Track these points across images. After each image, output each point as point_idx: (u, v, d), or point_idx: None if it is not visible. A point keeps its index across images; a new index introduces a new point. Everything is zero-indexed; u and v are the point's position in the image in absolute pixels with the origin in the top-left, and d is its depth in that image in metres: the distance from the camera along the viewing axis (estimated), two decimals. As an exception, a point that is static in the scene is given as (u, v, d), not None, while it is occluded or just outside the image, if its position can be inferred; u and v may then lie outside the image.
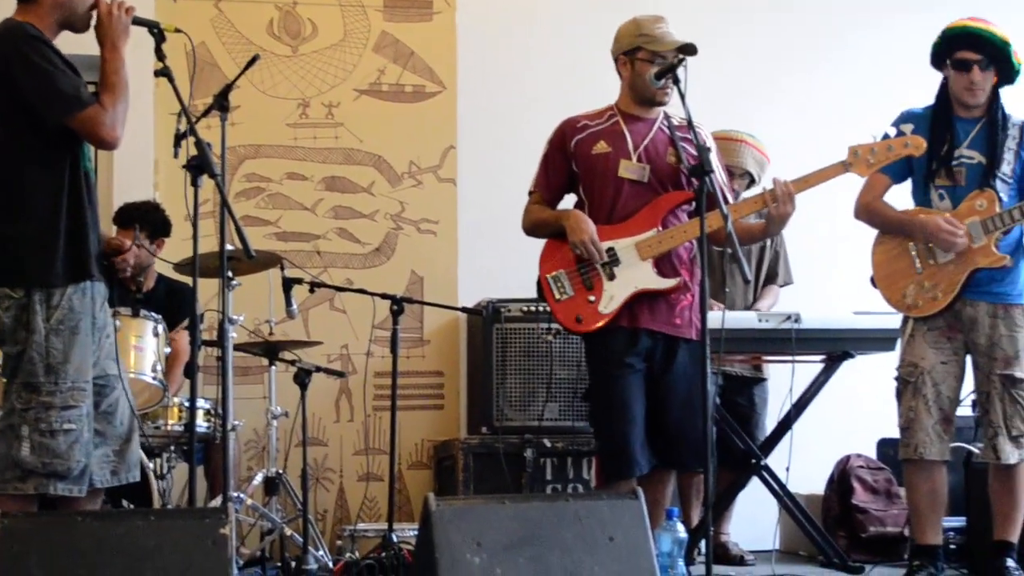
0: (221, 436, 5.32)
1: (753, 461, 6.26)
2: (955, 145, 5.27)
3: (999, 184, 5.22)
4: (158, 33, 4.34)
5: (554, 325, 5.34)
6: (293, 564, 5.64)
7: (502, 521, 3.90)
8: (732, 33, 7.61)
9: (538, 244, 5.24)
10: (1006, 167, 5.25)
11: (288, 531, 5.84)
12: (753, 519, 6.69)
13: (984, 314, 5.24)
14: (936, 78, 5.40)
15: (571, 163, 5.23)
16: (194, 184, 4.38)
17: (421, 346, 7.27)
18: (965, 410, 5.55)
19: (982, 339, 5.24)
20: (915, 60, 5.63)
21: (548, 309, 5.18)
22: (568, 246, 5.11)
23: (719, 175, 5.18)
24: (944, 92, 5.37)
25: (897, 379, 5.34)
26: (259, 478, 6.02)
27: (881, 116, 5.55)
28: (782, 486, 6.26)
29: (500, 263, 7.07)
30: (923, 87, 5.52)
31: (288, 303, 5.92)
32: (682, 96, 4.93)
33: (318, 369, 6.02)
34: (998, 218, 5.17)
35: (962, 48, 5.24)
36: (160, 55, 4.35)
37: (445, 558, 3.78)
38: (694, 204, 5.02)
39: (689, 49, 5.02)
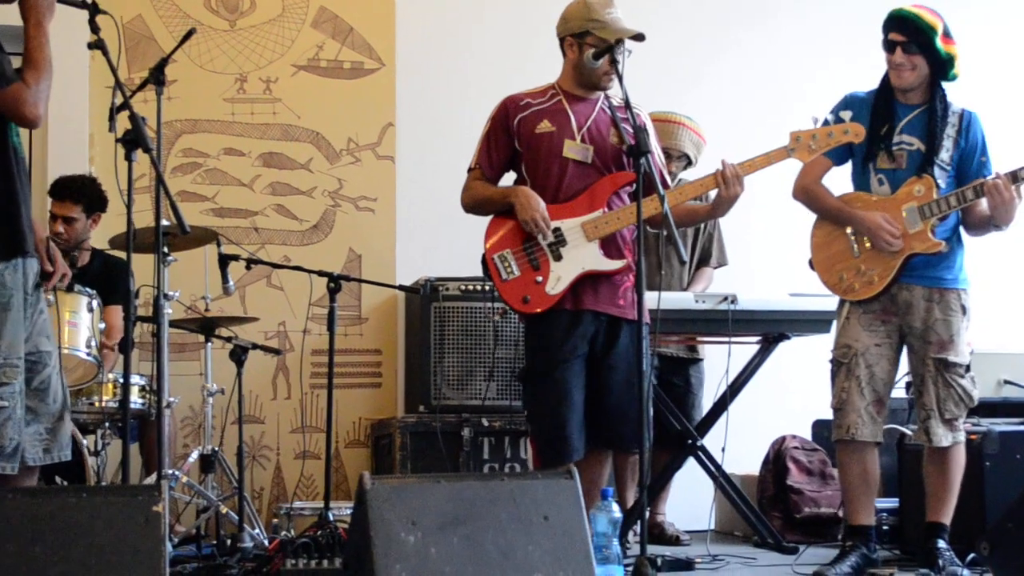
0: (156, 413, 5.28)
1: (689, 442, 6.29)
2: (894, 131, 5.30)
3: (937, 171, 5.26)
4: (92, 5, 4.28)
5: (499, 305, 5.32)
6: (228, 542, 5.62)
7: (437, 500, 3.88)
8: (666, 14, 7.60)
9: (477, 222, 5.22)
10: (944, 154, 5.28)
11: (224, 509, 5.82)
12: (689, 499, 6.74)
13: (920, 298, 5.28)
14: (870, 57, 5.44)
15: (514, 141, 5.21)
16: (128, 159, 4.33)
17: (359, 324, 7.24)
18: (900, 392, 5.59)
19: (917, 323, 5.28)
20: (850, 39, 5.67)
21: (487, 288, 5.18)
22: (514, 224, 5.09)
23: (657, 156, 5.19)
24: (887, 78, 5.40)
25: (831, 361, 5.38)
26: (195, 455, 5.98)
27: (816, 96, 5.58)
28: (718, 466, 6.29)
29: (438, 241, 7.07)
30: (857, 65, 5.57)
31: (224, 279, 5.88)
32: (620, 77, 4.95)
33: (254, 346, 5.99)
34: (935, 204, 5.21)
35: (893, 30, 5.29)
36: (94, 28, 4.29)
37: (380, 537, 3.77)
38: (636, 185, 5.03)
39: (639, 38, 5.03)
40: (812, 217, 5.47)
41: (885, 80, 5.38)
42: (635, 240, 5.09)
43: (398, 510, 3.83)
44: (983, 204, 5.23)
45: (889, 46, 5.29)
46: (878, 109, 5.32)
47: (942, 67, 5.28)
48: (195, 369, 6.60)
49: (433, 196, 6.96)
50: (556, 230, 5.06)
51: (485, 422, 6.49)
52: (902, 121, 5.32)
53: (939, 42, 5.22)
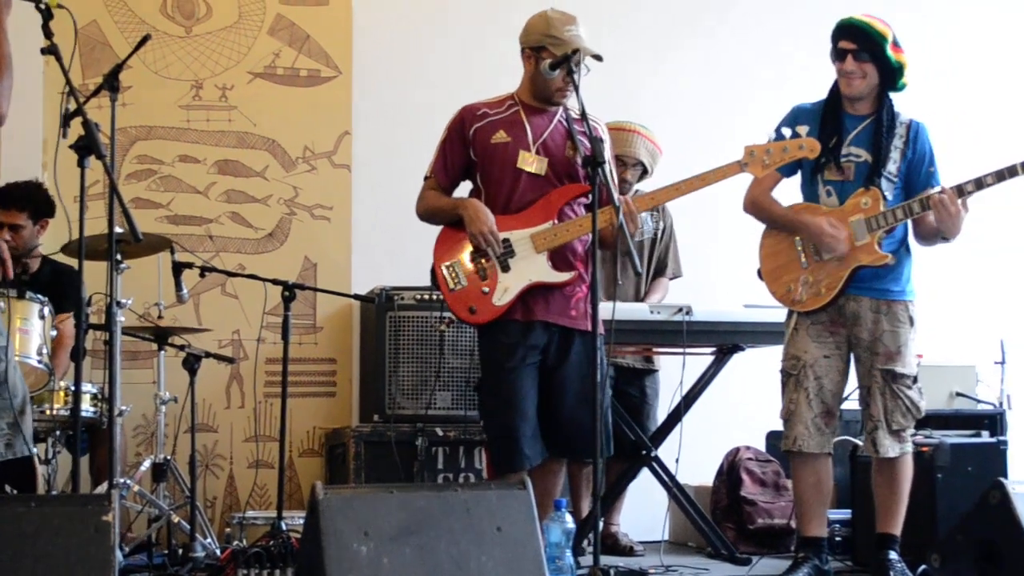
0: (108, 421, 5.24)
1: (643, 452, 6.29)
2: (842, 143, 5.33)
3: (884, 183, 5.29)
4: (44, 9, 4.26)
5: (447, 315, 5.32)
6: (180, 551, 5.59)
7: (390, 511, 3.88)
8: (625, 25, 7.62)
9: (434, 231, 5.22)
10: (892, 166, 5.31)
11: (175, 518, 5.77)
12: (643, 510, 6.75)
13: (867, 310, 5.30)
14: (817, 68, 5.46)
15: (469, 150, 5.20)
16: (81, 165, 4.30)
17: (314, 333, 7.22)
18: (854, 404, 5.62)
19: (865, 334, 5.30)
20: (803, 49, 5.69)
21: (442, 298, 5.16)
22: (463, 235, 5.10)
23: (609, 170, 5.20)
24: (836, 88, 5.42)
25: (781, 372, 5.40)
26: (147, 464, 5.95)
27: (766, 110, 5.62)
28: (672, 477, 6.31)
29: (394, 250, 7.05)
30: (810, 75, 5.60)
31: (178, 287, 5.86)
32: (576, 88, 4.95)
33: (207, 355, 5.96)
34: (881, 217, 5.24)
35: (843, 38, 5.31)
36: (47, 32, 4.26)
37: (332, 547, 3.76)
38: (590, 197, 5.03)
39: (597, 58, 5.04)
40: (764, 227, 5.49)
41: (834, 91, 5.41)
42: (587, 252, 5.10)
43: (350, 520, 3.82)
44: (932, 215, 5.26)
45: (840, 54, 5.32)
46: (827, 120, 5.34)
47: (891, 76, 5.31)
48: (148, 377, 6.56)
49: (389, 205, 6.94)
50: (505, 241, 5.06)
51: (439, 432, 6.47)
52: (851, 134, 5.35)
53: (889, 50, 5.26)
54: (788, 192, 5.47)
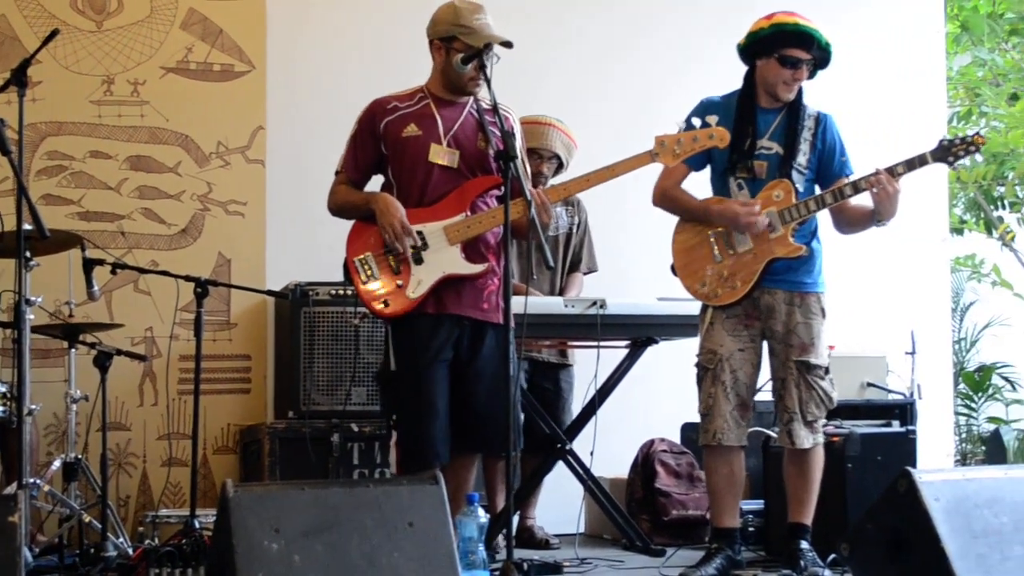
0: (17, 420, 5.18)
1: (559, 446, 6.32)
2: (756, 138, 5.37)
3: (795, 175, 5.34)
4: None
5: (361, 309, 5.31)
6: (92, 551, 5.53)
7: (301, 507, 3.87)
8: (534, 16, 7.63)
9: (348, 226, 5.21)
10: (802, 158, 5.37)
11: (87, 518, 5.71)
12: (558, 503, 6.76)
13: (781, 302, 5.36)
14: (726, 60, 5.49)
15: (380, 144, 5.20)
16: (-14, 161, 4.26)
17: (228, 329, 7.17)
18: (766, 396, 5.67)
19: (779, 327, 5.36)
20: (710, 42, 5.71)
21: (356, 292, 5.15)
22: (375, 229, 5.09)
23: (521, 161, 5.22)
24: (750, 83, 5.45)
25: (697, 366, 5.43)
26: (57, 464, 5.88)
27: (675, 102, 5.66)
28: (587, 470, 6.33)
29: (309, 246, 7.02)
30: (715, 69, 5.64)
31: (89, 284, 5.80)
32: (487, 81, 4.96)
33: (119, 352, 5.91)
34: (794, 208, 5.29)
35: (792, 46, 5.31)
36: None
37: (242, 544, 3.75)
38: (503, 189, 5.04)
39: (507, 45, 5.04)
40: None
41: (747, 87, 5.43)
42: (499, 244, 5.11)
43: (261, 517, 3.81)
44: (852, 202, 5.32)
45: (792, 61, 5.32)
46: (740, 118, 5.37)
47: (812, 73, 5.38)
48: (59, 376, 6.48)
49: (304, 200, 6.89)
50: (419, 234, 5.06)
51: (355, 427, 6.46)
52: (764, 133, 5.38)
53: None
54: (696, 187, 5.50)
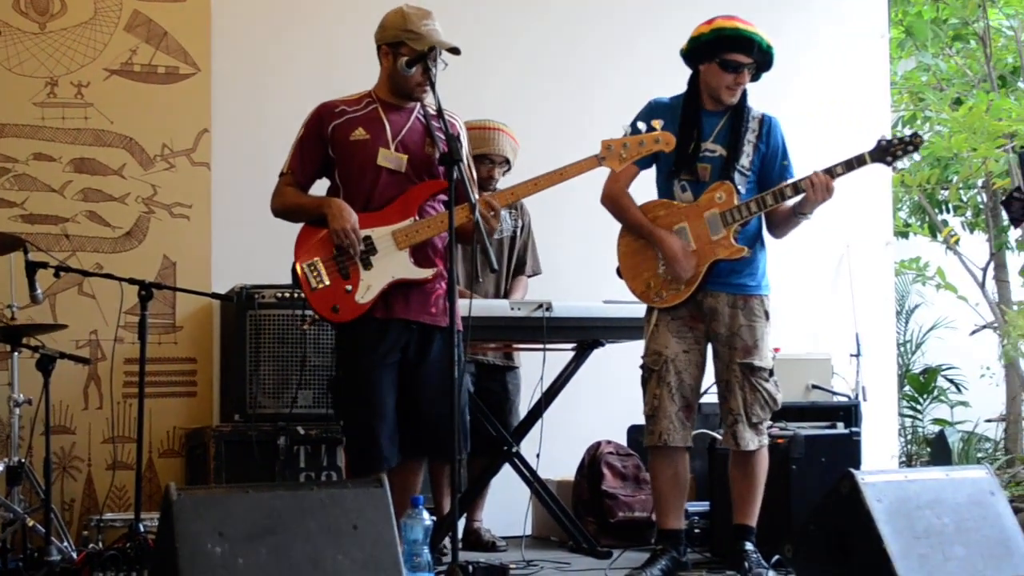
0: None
1: (505, 448, 6.32)
2: (701, 141, 5.39)
3: (738, 176, 5.37)
4: None
5: (310, 314, 5.31)
6: (35, 555, 5.50)
7: (245, 510, 3.86)
8: (479, 21, 7.64)
9: (295, 229, 5.20)
10: (745, 160, 5.40)
11: (31, 522, 5.69)
12: (505, 505, 6.76)
13: (724, 305, 5.39)
14: (673, 61, 5.52)
15: (327, 148, 5.20)
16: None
17: (173, 332, 7.13)
18: (712, 398, 5.70)
19: (723, 329, 5.39)
20: (655, 46, 5.73)
21: (303, 296, 5.14)
22: (324, 233, 5.09)
23: (466, 165, 5.23)
24: (694, 86, 5.48)
25: (642, 368, 5.46)
26: (0, 468, 5.84)
27: (619, 107, 5.68)
28: (533, 472, 6.34)
29: (255, 248, 6.98)
30: (662, 71, 5.68)
31: (32, 287, 5.77)
32: (432, 85, 4.97)
33: (62, 355, 5.86)
34: (736, 211, 5.32)
35: (734, 50, 5.33)
36: None
37: (185, 548, 3.73)
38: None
39: (454, 51, 5.05)
40: (622, 222, 5.55)
41: (693, 90, 5.46)
42: (446, 248, 5.11)
43: (204, 521, 3.80)
44: (785, 204, 5.36)
45: (733, 66, 5.34)
46: (685, 122, 5.39)
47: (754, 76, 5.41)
48: (2, 379, 6.43)
49: (249, 203, 6.82)
50: (367, 238, 5.06)
51: (301, 430, 6.44)
52: (709, 135, 5.40)
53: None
54: (643, 186, 5.53)
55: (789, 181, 5.35)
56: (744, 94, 5.44)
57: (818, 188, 5.23)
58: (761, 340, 5.38)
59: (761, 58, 5.35)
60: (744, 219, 5.33)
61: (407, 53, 5.09)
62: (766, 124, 5.46)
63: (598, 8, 8.07)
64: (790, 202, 5.36)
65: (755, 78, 5.43)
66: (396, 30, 5.14)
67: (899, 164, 5.34)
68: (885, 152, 5.31)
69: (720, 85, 5.37)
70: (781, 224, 5.48)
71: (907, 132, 5.44)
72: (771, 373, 5.40)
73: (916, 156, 5.22)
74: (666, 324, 5.41)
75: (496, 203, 5.08)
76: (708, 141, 5.40)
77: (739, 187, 5.35)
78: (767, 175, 5.43)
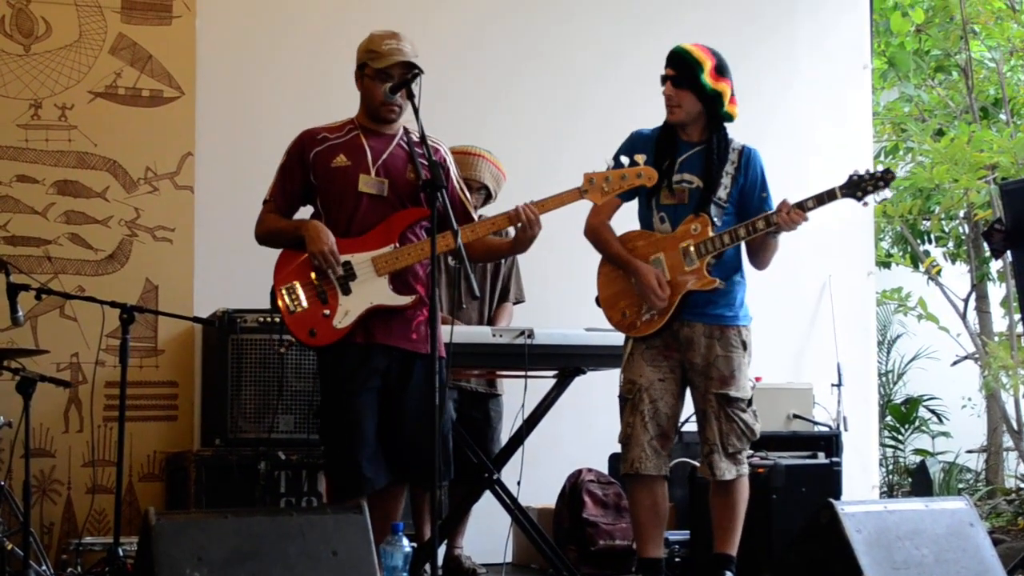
0: (-63, 447, 5.15)
1: (486, 475, 6.31)
2: (675, 163, 5.41)
3: (714, 208, 5.38)
4: None
5: (287, 337, 5.30)
6: (13, 579, 5.49)
7: (224, 535, 3.87)
8: (472, 52, 7.67)
9: (277, 254, 5.20)
10: (723, 191, 5.41)
11: (9, 545, 5.67)
12: (486, 532, 6.75)
13: (700, 335, 5.40)
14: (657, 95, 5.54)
15: (309, 174, 5.21)
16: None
17: (155, 356, 7.12)
18: (695, 426, 5.69)
19: (698, 359, 5.39)
20: (641, 77, 5.76)
21: (283, 321, 5.14)
22: (303, 257, 5.09)
23: (457, 189, 5.24)
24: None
25: (619, 397, 5.47)
26: (-21, 490, 5.83)
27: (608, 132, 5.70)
28: (514, 500, 6.32)
29: (237, 273, 6.98)
30: (647, 104, 5.69)
31: (13, 310, 5.77)
32: (416, 110, 4.97)
33: (43, 378, 5.84)
34: (709, 242, 5.34)
35: (666, 65, 5.42)
36: None
37: (164, 573, 3.74)
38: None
39: (411, 67, 5.05)
40: (605, 251, 5.57)
41: (668, 122, 5.50)
42: (428, 275, 5.11)
43: (183, 545, 3.80)
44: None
45: (662, 80, 5.42)
46: (661, 145, 5.43)
47: (711, 104, 5.40)
48: (-18, 402, 6.43)
49: (232, 227, 6.86)
50: (346, 264, 5.06)
51: (282, 455, 6.43)
52: (681, 157, 5.43)
53: (705, 78, 5.34)
54: (626, 214, 5.54)
55: (762, 215, 5.36)
56: (718, 128, 5.46)
57: (790, 220, 5.25)
58: (738, 370, 5.39)
59: (688, 73, 5.35)
60: (717, 251, 5.34)
61: (369, 74, 5.11)
62: (745, 155, 5.47)
63: (581, 35, 8.11)
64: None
65: (708, 109, 5.41)
66: (361, 52, 5.18)
67: (869, 200, 5.35)
68: (856, 187, 5.33)
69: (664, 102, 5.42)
70: (758, 251, 5.49)
71: (879, 168, 5.43)
72: (749, 403, 5.41)
73: (887, 192, 5.20)
74: (641, 353, 5.42)
75: (533, 211, 5.08)
76: (683, 171, 5.42)
77: (715, 219, 5.37)
78: (746, 207, 5.45)
